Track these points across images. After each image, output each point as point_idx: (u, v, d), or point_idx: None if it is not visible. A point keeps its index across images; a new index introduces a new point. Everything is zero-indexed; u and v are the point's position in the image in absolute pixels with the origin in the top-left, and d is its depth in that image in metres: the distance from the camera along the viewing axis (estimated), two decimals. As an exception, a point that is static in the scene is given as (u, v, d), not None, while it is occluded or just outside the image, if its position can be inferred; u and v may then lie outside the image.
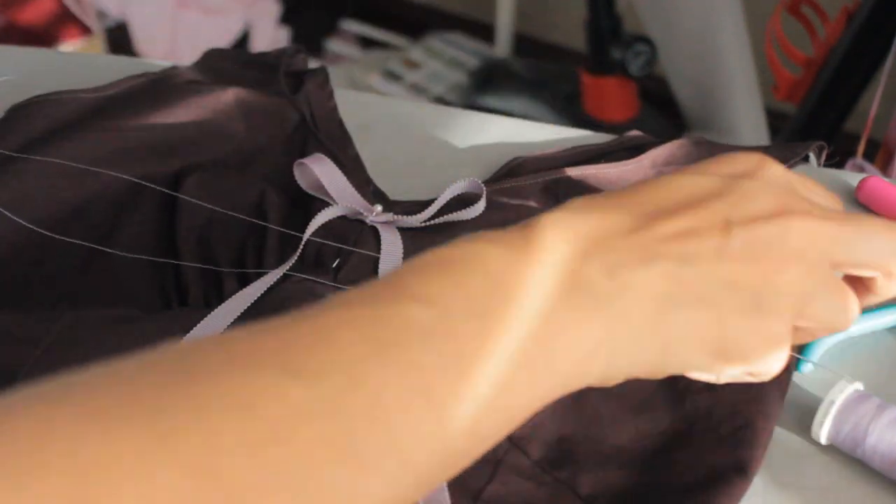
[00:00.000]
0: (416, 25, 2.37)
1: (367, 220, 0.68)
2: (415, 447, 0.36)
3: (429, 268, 0.40)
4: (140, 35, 2.17)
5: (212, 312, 0.62)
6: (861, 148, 1.16)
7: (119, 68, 0.85)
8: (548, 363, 0.41)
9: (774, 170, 0.47)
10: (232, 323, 0.62)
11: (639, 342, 0.42)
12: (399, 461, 0.36)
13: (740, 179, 0.45)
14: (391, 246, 0.67)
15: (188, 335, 0.61)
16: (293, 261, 0.65)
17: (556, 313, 0.40)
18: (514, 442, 0.59)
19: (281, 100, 0.77)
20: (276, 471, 0.33)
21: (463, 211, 0.68)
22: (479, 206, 0.69)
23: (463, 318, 0.39)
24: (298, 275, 0.65)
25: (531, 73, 2.02)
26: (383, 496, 0.36)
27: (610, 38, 1.80)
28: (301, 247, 0.66)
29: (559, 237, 0.42)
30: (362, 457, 0.35)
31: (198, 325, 0.62)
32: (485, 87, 2.04)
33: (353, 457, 0.35)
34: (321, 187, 0.70)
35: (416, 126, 0.83)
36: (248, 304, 0.63)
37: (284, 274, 0.65)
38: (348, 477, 0.35)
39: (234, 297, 0.64)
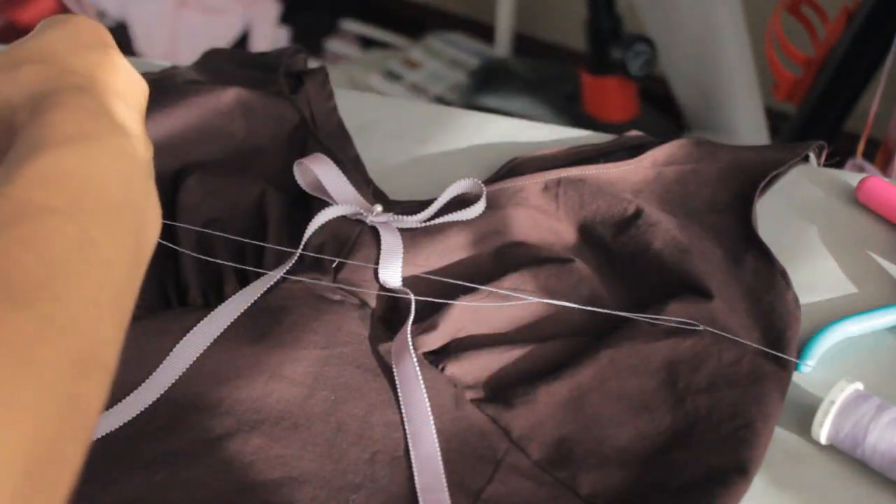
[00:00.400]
0: (416, 25, 2.37)
1: (367, 220, 0.68)
2: None
3: (49, 178, 0.43)
4: (140, 35, 2.17)
5: (212, 312, 0.63)
6: (861, 148, 1.16)
7: (119, 68, 0.84)
8: (149, 233, 0.47)
9: None
10: (232, 323, 0.62)
11: None
12: None
13: None
14: (391, 246, 0.67)
15: (188, 335, 0.61)
16: (293, 261, 0.65)
17: (146, 196, 0.47)
18: (515, 442, 0.59)
19: (281, 100, 0.77)
20: None
21: (463, 211, 0.68)
22: (479, 206, 0.69)
23: (95, 228, 0.42)
24: (296, 277, 0.65)
25: (531, 73, 2.02)
26: None
27: (610, 38, 1.80)
28: (301, 247, 0.66)
29: None
30: None
31: (198, 326, 0.62)
32: (485, 87, 2.04)
33: None
34: (321, 187, 0.70)
35: (416, 126, 0.83)
36: (248, 305, 0.63)
37: (284, 274, 0.65)
38: None
39: (233, 297, 0.64)
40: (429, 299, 0.64)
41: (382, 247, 0.67)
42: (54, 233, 0.40)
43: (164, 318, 0.63)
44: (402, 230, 0.68)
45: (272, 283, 0.64)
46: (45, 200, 0.41)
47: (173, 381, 0.59)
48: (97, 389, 0.38)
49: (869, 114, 1.17)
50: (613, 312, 0.64)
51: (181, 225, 0.68)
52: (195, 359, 0.60)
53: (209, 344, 0.61)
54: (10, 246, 0.38)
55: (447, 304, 0.64)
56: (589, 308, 0.65)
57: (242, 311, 0.62)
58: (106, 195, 0.43)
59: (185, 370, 0.60)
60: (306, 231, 0.66)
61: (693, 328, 0.63)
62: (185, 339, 0.61)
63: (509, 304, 0.65)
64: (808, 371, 0.64)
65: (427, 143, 0.82)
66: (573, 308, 0.66)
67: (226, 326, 0.62)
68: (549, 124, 0.83)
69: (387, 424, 0.59)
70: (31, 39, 0.52)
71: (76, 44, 0.52)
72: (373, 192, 0.74)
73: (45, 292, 0.37)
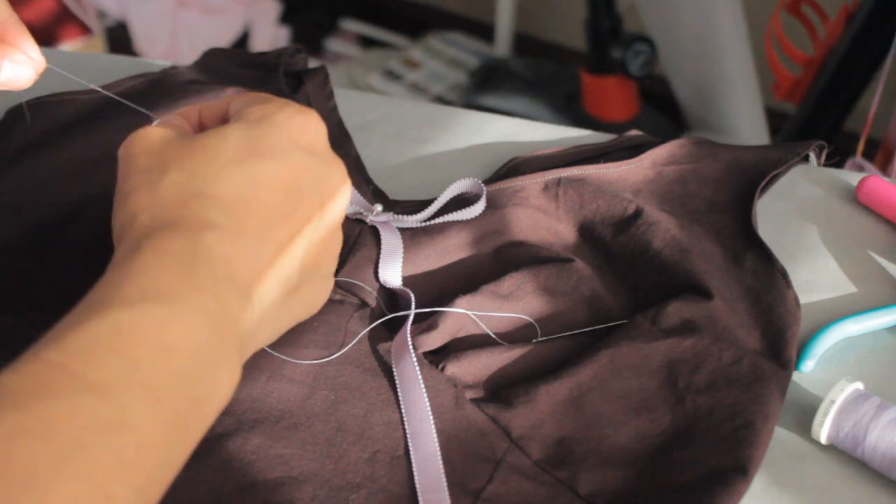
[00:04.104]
0: (416, 25, 2.37)
1: (367, 220, 0.68)
2: None
3: (99, 345, 0.40)
4: (140, 35, 2.17)
5: None
6: (861, 147, 1.16)
7: (119, 68, 0.85)
8: (208, 407, 0.44)
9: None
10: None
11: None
12: None
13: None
14: (391, 245, 0.67)
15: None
16: None
17: (214, 368, 0.43)
18: (515, 442, 0.59)
19: (281, 99, 0.77)
20: None
21: (463, 211, 0.68)
22: (479, 206, 0.69)
23: (136, 407, 0.39)
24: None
25: (531, 73, 2.02)
26: None
27: (610, 38, 1.80)
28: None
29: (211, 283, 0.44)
30: None
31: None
32: (485, 87, 2.04)
33: None
34: (321, 187, 0.70)
35: (416, 126, 0.83)
36: None
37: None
38: None
39: None
40: (428, 309, 0.64)
41: (382, 246, 0.67)
42: (79, 414, 0.37)
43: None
44: (402, 230, 0.68)
45: None
46: (85, 373, 0.38)
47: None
48: None
49: (868, 113, 1.17)
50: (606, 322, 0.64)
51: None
52: None
53: None
54: (27, 427, 0.36)
55: (447, 303, 0.64)
56: (602, 325, 0.65)
57: None
58: (156, 370, 0.40)
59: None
60: None
61: (693, 328, 0.63)
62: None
63: (507, 310, 0.65)
64: (808, 371, 0.64)
65: (427, 142, 0.82)
66: (573, 307, 0.66)
67: None
68: (549, 124, 0.83)
69: (387, 424, 0.59)
70: (209, 135, 0.48)
71: (249, 152, 0.47)
72: (373, 192, 0.74)
73: (39, 486, 0.35)
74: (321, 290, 0.54)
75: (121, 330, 0.40)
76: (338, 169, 0.51)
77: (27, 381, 0.38)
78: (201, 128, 0.55)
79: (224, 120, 0.53)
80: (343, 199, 0.52)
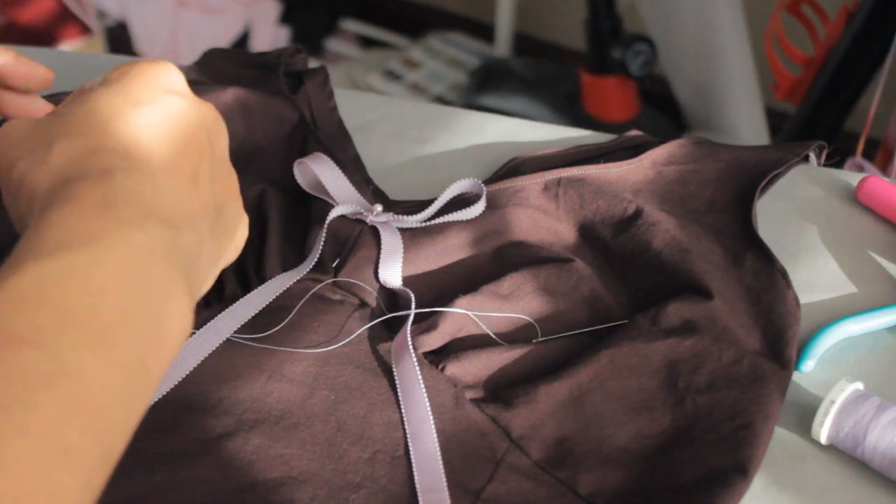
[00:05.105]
0: (416, 25, 2.37)
1: (367, 220, 0.68)
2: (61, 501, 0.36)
3: (25, 299, 0.39)
4: (140, 35, 2.17)
5: (219, 315, 0.62)
6: (861, 147, 1.16)
7: (119, 68, 0.84)
8: (162, 343, 0.42)
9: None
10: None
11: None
12: None
13: None
14: (391, 245, 0.67)
15: (192, 336, 0.61)
16: (307, 269, 0.65)
17: (159, 301, 0.42)
18: (515, 441, 0.59)
19: (280, 100, 0.77)
20: None
21: (463, 211, 0.68)
22: (479, 206, 0.69)
23: (76, 354, 0.38)
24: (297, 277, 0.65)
25: (531, 73, 2.02)
26: None
27: (610, 38, 1.80)
28: (319, 251, 0.65)
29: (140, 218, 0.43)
30: None
31: (203, 328, 0.62)
32: (485, 87, 2.04)
33: None
34: (321, 187, 0.70)
35: (416, 126, 0.83)
36: (258, 310, 0.63)
37: (284, 272, 0.65)
38: None
39: (241, 301, 0.63)
40: (429, 310, 0.64)
41: (382, 246, 0.67)
42: (16, 370, 0.36)
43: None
44: (402, 230, 0.68)
45: (282, 290, 0.64)
46: (13, 328, 0.37)
47: (177, 382, 0.59)
48: None
49: (868, 113, 1.17)
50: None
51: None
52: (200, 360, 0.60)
53: (217, 346, 0.61)
54: None
55: (447, 303, 0.64)
56: (603, 325, 0.65)
57: (250, 315, 0.62)
58: (92, 314, 0.39)
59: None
60: (319, 234, 0.66)
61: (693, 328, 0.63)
62: (189, 339, 0.61)
63: (507, 310, 0.65)
64: (808, 371, 0.64)
65: (427, 143, 0.82)
66: (573, 307, 0.66)
67: (234, 330, 0.62)
68: (549, 124, 0.83)
69: (387, 424, 0.59)
70: (79, 101, 0.47)
71: (124, 104, 0.47)
72: (373, 192, 0.74)
73: None
74: (240, 225, 0.53)
75: (46, 280, 0.39)
76: (209, 108, 0.51)
77: None
78: None
79: None
80: (223, 134, 0.52)
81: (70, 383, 0.37)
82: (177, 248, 0.44)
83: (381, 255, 0.66)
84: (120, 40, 2.17)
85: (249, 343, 0.61)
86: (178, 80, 0.50)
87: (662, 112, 1.94)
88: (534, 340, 0.64)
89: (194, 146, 0.49)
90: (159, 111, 0.48)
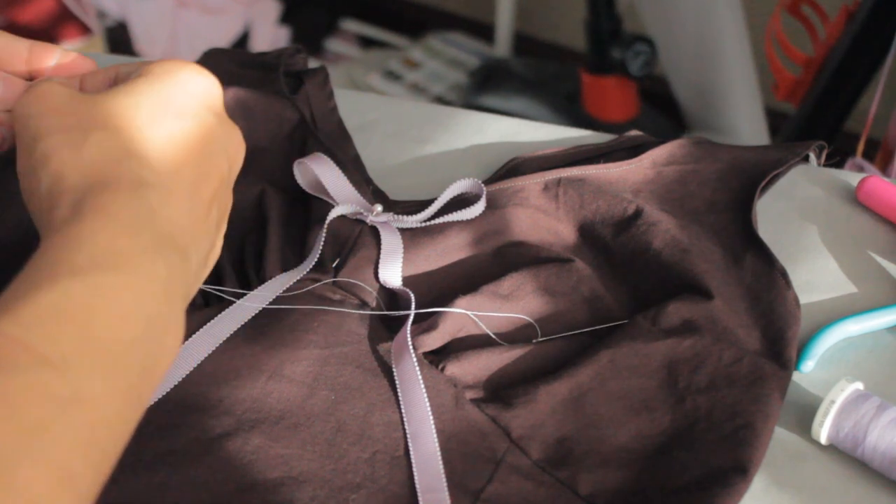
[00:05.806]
0: (416, 25, 2.37)
1: (367, 220, 0.68)
2: None
3: (52, 316, 0.39)
4: (140, 35, 2.17)
5: (219, 315, 0.62)
6: (861, 147, 1.16)
7: (119, 68, 0.84)
8: (156, 373, 0.43)
9: None
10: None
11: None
12: None
13: None
14: (391, 246, 0.67)
15: (193, 336, 0.61)
16: (306, 270, 0.65)
17: (163, 333, 0.43)
18: (515, 442, 0.59)
19: (280, 99, 0.77)
20: None
21: (463, 211, 0.68)
22: (479, 206, 0.69)
23: (92, 381, 0.38)
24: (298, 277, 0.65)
25: (531, 73, 2.01)
26: None
27: (610, 38, 1.80)
28: (319, 251, 0.65)
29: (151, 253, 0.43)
30: None
31: (203, 328, 0.61)
32: (485, 87, 2.04)
33: None
34: (321, 187, 0.70)
35: (416, 126, 0.83)
36: (258, 310, 0.63)
37: (284, 272, 0.65)
38: None
39: (240, 301, 0.63)
40: (429, 310, 0.64)
41: (382, 247, 0.67)
42: (38, 391, 0.36)
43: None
44: (402, 230, 0.68)
45: (282, 290, 0.64)
46: (40, 347, 0.37)
47: (177, 382, 0.59)
48: None
49: (869, 114, 1.17)
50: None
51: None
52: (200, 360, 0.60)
53: (217, 346, 0.61)
54: None
55: (447, 303, 0.64)
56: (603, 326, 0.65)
57: (250, 315, 0.62)
58: (111, 341, 0.39)
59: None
60: (318, 235, 0.66)
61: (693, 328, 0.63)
62: (189, 340, 0.61)
63: (507, 310, 0.65)
64: (808, 371, 0.64)
65: (427, 143, 0.82)
66: (573, 307, 0.66)
67: (234, 329, 0.62)
68: (549, 124, 0.83)
69: (387, 424, 0.59)
70: (123, 92, 0.47)
71: (165, 111, 0.47)
72: (373, 192, 0.74)
73: (3, 469, 0.34)
74: (219, 247, 0.53)
75: (73, 300, 0.39)
76: (237, 133, 0.51)
77: None
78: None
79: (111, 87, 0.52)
80: (241, 158, 0.53)
81: (82, 411, 0.37)
82: (185, 278, 0.44)
83: (381, 255, 0.66)
84: (120, 40, 2.17)
85: (249, 343, 0.61)
86: (219, 99, 0.50)
87: (662, 112, 1.94)
88: (534, 340, 0.64)
89: (216, 173, 0.49)
90: (195, 128, 0.48)
